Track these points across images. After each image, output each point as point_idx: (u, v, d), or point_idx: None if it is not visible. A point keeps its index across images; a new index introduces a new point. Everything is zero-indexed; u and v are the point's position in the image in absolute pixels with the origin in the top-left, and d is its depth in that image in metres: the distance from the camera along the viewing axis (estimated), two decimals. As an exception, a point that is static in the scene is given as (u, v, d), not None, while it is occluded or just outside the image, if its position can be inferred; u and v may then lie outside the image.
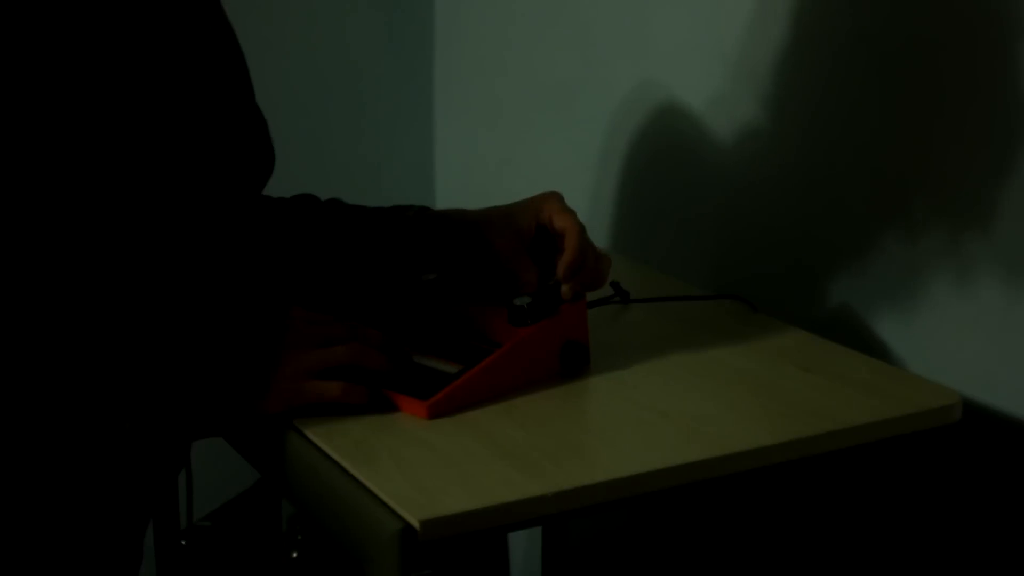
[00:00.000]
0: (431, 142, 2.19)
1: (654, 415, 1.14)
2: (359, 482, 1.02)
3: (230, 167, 1.31)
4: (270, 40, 2.04)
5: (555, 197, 1.27)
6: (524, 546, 1.99)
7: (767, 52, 1.54)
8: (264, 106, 2.10)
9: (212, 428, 1.14)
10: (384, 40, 2.13)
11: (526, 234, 1.26)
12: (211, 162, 1.27)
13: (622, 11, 1.76)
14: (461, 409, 1.13)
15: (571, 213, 1.25)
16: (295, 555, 1.71)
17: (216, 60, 1.28)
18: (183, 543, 1.60)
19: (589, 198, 1.85)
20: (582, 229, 1.23)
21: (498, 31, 2.02)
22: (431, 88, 2.17)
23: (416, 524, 0.95)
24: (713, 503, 1.61)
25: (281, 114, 2.06)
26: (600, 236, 1.78)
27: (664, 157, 1.72)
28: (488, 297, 1.26)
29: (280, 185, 1.46)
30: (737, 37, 1.58)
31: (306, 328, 1.14)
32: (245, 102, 1.35)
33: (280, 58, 2.06)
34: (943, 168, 1.36)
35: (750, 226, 1.60)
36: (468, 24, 2.09)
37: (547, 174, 1.95)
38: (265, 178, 1.41)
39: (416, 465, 1.04)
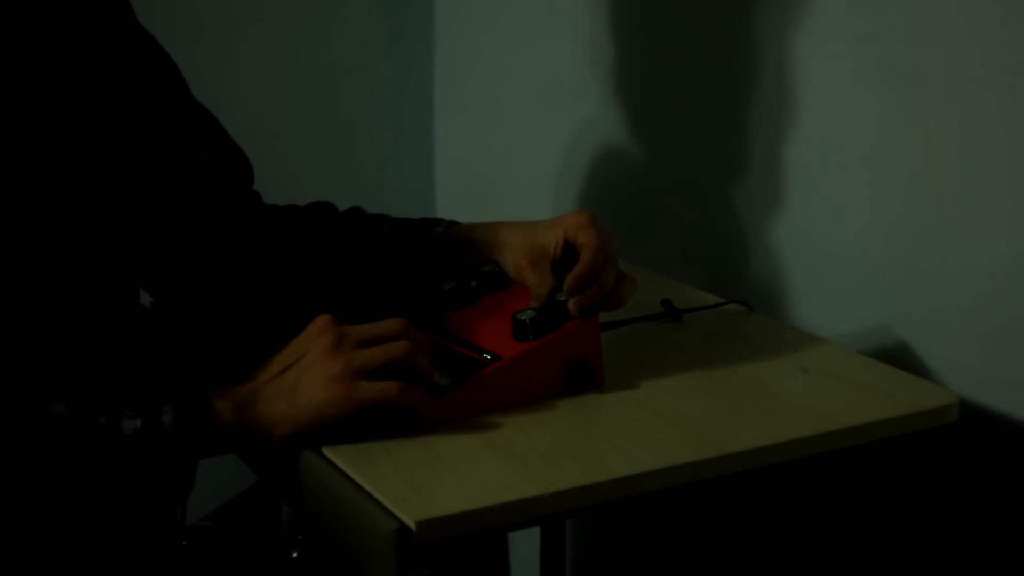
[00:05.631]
0: (431, 142, 2.19)
1: (651, 415, 1.14)
2: (355, 482, 1.02)
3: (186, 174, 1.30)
4: (270, 41, 2.05)
5: (585, 214, 1.23)
6: (523, 546, 1.99)
7: (766, 52, 1.54)
8: (264, 106, 2.10)
9: (218, 445, 1.07)
10: (384, 40, 2.13)
11: (548, 250, 1.24)
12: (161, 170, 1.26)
13: (622, 10, 1.76)
14: (449, 422, 1.11)
15: (596, 230, 1.21)
16: (295, 555, 1.71)
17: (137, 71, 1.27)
18: (183, 543, 1.60)
19: (588, 199, 1.85)
20: (602, 246, 1.19)
21: (498, 31, 2.02)
22: (431, 88, 2.17)
23: (412, 525, 0.95)
24: (710, 504, 1.61)
25: (281, 114, 2.07)
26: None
27: (663, 157, 1.72)
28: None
29: (281, 185, 1.47)
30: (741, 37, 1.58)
31: (350, 327, 1.07)
32: (177, 104, 1.33)
33: (280, 59, 2.06)
34: (946, 167, 1.36)
35: (749, 226, 1.60)
36: (468, 24, 2.09)
37: (547, 175, 1.95)
38: (245, 179, 1.39)
39: (412, 465, 1.04)
